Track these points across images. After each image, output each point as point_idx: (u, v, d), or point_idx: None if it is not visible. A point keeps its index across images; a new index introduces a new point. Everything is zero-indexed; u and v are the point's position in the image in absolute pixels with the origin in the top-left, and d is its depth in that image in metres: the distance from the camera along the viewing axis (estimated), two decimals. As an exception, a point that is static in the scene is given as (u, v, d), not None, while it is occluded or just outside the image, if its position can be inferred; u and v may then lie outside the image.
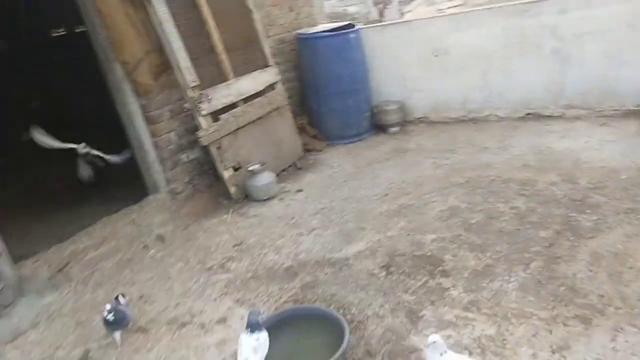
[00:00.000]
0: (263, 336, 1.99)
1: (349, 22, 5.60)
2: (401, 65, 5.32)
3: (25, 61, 7.35)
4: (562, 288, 2.40)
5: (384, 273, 2.73)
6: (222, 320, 2.52)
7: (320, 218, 3.50)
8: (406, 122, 5.36)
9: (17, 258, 3.36)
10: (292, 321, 2.28)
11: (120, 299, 2.48)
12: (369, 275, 2.72)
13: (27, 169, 5.94)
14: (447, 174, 3.89)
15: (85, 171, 4.79)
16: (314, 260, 2.95)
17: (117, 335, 2.42)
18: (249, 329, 1.99)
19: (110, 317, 2.36)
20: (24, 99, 7.51)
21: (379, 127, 5.31)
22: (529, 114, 4.83)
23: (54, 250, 3.17)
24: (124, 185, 4.24)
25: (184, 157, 3.94)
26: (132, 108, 3.71)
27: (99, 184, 4.78)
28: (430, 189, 3.67)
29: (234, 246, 3.29)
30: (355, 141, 5.12)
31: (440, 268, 2.70)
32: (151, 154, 3.78)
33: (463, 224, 3.10)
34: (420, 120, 5.39)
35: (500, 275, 2.57)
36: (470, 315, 2.32)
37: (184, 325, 2.54)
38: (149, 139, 3.77)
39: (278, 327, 2.23)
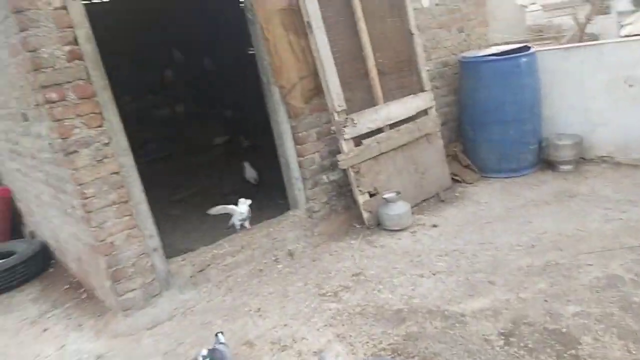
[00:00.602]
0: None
1: (524, 44, 5.09)
2: (585, 94, 4.63)
3: (224, 75, 8.51)
4: None
5: (501, 342, 2.39)
6: (318, 353, 2.52)
7: (447, 261, 3.25)
8: (583, 160, 4.64)
9: (177, 252, 3.91)
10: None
11: (220, 336, 2.54)
12: (483, 341, 2.41)
13: (211, 170, 6.86)
14: (618, 232, 3.24)
15: (251, 173, 5.45)
16: (427, 309, 2.75)
17: None
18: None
19: None
20: (221, 108, 8.70)
21: (547, 162, 4.71)
22: None
23: (200, 252, 3.57)
24: (277, 195, 4.56)
25: (324, 177, 4.06)
26: (283, 128, 3.96)
27: (262, 185, 5.34)
28: (590, 248, 3.10)
29: (352, 275, 3.27)
30: (513, 176, 4.62)
31: (574, 351, 2.25)
32: (295, 172, 3.99)
33: (620, 301, 2.54)
34: (602, 160, 4.61)
35: (653, 378, 2.04)
36: (597, 422, 1.89)
37: (284, 348, 2.62)
38: (295, 158, 3.98)
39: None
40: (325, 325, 2.75)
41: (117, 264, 3.11)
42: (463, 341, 2.44)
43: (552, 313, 2.54)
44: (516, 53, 4.65)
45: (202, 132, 8.38)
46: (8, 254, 4.20)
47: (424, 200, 4.34)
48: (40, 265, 4.21)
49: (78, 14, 3.00)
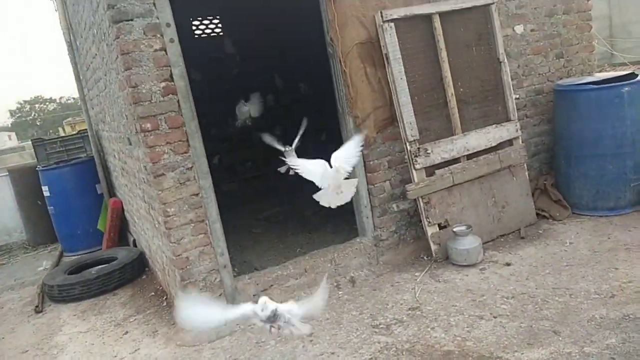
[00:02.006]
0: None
1: (631, 71, 4.64)
2: None
3: (317, 101, 8.84)
4: None
5: (552, 399, 2.20)
6: (358, 386, 2.53)
7: (513, 304, 3.05)
8: (696, 201, 4.07)
9: (251, 269, 4.15)
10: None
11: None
12: (532, 395, 2.24)
13: (299, 190, 7.11)
14: None
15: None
16: (479, 354, 2.61)
17: None
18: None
19: None
20: (315, 131, 9.02)
21: (652, 202, 4.21)
22: None
23: (266, 272, 3.75)
24: (353, 219, 4.59)
25: (394, 206, 4.05)
26: (355, 156, 4.04)
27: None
28: (683, 304, 2.72)
29: (409, 309, 3.21)
30: (609, 215, 4.19)
31: (636, 422, 2.00)
32: (364, 200, 4.03)
33: None
34: None
35: None
36: None
37: (326, 376, 2.66)
38: (365, 185, 4.03)
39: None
40: (371, 359, 2.75)
41: (190, 277, 3.40)
42: (510, 393, 2.28)
43: (618, 374, 2.28)
44: (619, 81, 4.27)
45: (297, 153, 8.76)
46: (110, 260, 4.81)
47: (502, 236, 4.12)
48: (136, 272, 4.74)
49: (175, 55, 3.38)
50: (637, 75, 4.37)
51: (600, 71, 6.11)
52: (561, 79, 4.84)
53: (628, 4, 17.85)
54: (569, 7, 4.85)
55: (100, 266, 4.82)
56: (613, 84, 4.22)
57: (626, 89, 4.16)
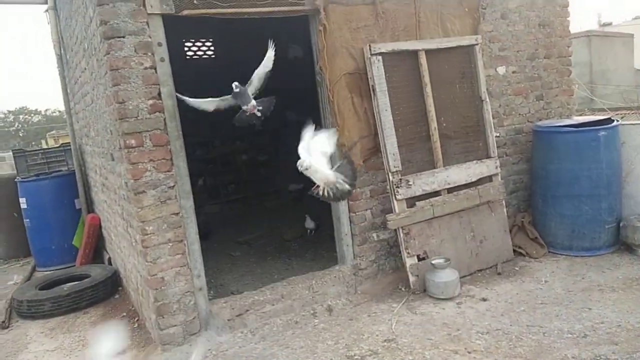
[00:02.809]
0: None
1: (609, 116, 4.82)
2: (677, 173, 4.23)
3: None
4: None
5: None
6: (329, 417, 2.48)
7: (488, 340, 3.06)
8: (668, 245, 4.16)
9: (227, 293, 4.10)
10: None
11: None
12: None
13: (281, 214, 7.12)
14: (693, 333, 2.85)
15: (309, 224, 5.80)
16: (452, 389, 2.60)
17: None
18: None
19: None
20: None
21: (626, 245, 4.30)
22: None
23: (242, 296, 3.70)
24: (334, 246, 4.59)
25: (374, 235, 4.07)
26: (338, 184, 4.07)
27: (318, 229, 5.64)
28: (652, 347, 2.76)
29: (384, 340, 3.19)
30: (585, 256, 4.27)
31: None
32: (345, 227, 4.04)
33: (675, 415, 2.22)
34: (692, 247, 4.11)
35: None
36: None
37: (296, 406, 2.61)
38: (347, 213, 4.05)
39: None
40: (341, 391, 2.71)
41: (163, 298, 3.34)
42: None
43: (589, 416, 2.28)
44: (597, 125, 4.41)
45: (279, 179, 8.81)
46: (84, 277, 4.69)
47: (479, 271, 4.15)
48: (109, 291, 4.63)
49: (165, 74, 3.40)
50: (613, 120, 4.54)
51: (579, 115, 6.32)
52: (540, 120, 4.99)
53: (607, 52, 18.65)
54: (550, 52, 5.04)
55: (72, 283, 4.70)
56: (590, 128, 4.37)
57: (602, 133, 4.31)
